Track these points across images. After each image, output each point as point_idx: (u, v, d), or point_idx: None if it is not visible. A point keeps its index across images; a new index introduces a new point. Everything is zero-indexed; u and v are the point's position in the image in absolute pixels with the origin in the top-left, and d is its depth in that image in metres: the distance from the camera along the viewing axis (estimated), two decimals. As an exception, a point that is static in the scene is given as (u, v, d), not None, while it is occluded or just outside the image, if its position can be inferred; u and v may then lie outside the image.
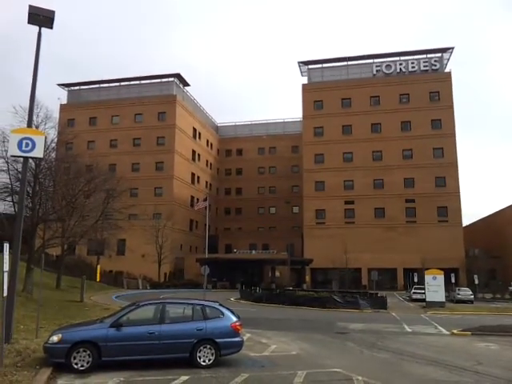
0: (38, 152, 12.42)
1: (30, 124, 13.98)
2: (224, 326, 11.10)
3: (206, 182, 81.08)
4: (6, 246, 10.30)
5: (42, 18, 13.14)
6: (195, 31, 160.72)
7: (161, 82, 73.08)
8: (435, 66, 67.39)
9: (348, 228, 63.49)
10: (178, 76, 72.23)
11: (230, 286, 57.07)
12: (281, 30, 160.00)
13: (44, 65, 54.25)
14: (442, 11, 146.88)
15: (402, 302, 40.77)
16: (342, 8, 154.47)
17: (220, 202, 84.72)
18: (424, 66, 67.43)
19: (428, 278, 33.56)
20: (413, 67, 67.60)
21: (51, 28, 13.39)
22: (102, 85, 75.99)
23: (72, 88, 76.67)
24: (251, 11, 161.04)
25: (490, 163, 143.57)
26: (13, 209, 28.06)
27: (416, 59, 67.96)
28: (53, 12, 13.25)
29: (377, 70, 68.89)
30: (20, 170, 21.31)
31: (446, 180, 63.24)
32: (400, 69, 67.95)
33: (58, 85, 76.05)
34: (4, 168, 26.96)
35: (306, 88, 70.11)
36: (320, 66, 71.87)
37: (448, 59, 67.91)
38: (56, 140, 32.30)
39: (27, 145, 12.14)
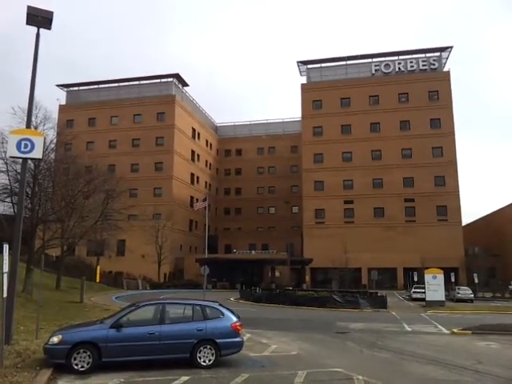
0: (37, 153, 12.38)
1: (28, 125, 13.96)
2: (224, 326, 11.08)
3: (206, 182, 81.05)
4: (6, 246, 10.29)
5: (40, 19, 13.09)
6: (194, 31, 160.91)
7: (160, 83, 73.05)
8: (434, 65, 67.44)
9: (347, 227, 63.48)
10: (177, 76, 72.22)
11: (230, 286, 56.98)
12: (280, 30, 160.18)
13: (43, 65, 54.27)
14: (441, 11, 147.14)
15: (402, 301, 40.79)
16: (341, 8, 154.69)
17: (219, 202, 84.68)
18: (423, 65, 67.47)
19: (428, 277, 33.68)
20: (412, 66, 67.65)
21: (50, 29, 13.35)
22: (100, 85, 75.95)
23: (71, 89, 76.64)
24: (250, 11, 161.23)
25: (490, 162, 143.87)
26: (12, 210, 28.07)
27: (415, 58, 68.01)
28: (51, 13, 13.21)
29: (376, 70, 68.94)
30: (19, 171, 21.24)
31: (446, 179, 63.26)
32: (399, 68, 68.00)
33: (57, 85, 76.05)
34: (3, 169, 27.01)
35: (304, 88, 70.10)
36: (319, 65, 71.92)
37: (447, 58, 67.98)
38: (55, 141, 32.32)
39: (26, 146, 12.10)
